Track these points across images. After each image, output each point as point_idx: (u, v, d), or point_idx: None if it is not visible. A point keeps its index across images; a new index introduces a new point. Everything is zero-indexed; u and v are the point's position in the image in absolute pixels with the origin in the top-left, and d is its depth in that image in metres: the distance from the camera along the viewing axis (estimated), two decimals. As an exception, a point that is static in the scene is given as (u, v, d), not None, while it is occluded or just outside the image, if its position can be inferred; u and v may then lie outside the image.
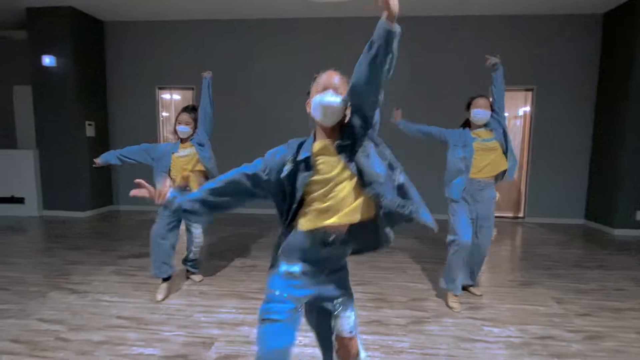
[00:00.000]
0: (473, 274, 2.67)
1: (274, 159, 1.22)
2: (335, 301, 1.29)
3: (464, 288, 2.68)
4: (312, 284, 1.23)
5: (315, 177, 1.16)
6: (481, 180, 2.43)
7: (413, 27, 5.13)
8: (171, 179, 2.66)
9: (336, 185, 1.15)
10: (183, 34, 5.47)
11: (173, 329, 2.13)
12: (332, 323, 1.32)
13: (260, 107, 5.33)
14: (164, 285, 2.60)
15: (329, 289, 1.28)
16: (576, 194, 5.15)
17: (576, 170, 5.11)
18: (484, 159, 2.40)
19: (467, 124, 2.56)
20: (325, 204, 1.16)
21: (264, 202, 1.33)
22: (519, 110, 5.57)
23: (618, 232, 4.55)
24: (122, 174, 5.76)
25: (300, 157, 1.18)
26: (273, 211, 1.27)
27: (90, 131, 5.40)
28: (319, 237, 1.19)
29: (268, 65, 5.31)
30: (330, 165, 1.16)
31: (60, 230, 4.53)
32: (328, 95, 1.14)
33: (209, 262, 3.28)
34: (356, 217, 1.16)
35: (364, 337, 2.04)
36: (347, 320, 1.30)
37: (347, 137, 1.17)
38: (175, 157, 2.66)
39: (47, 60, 5.10)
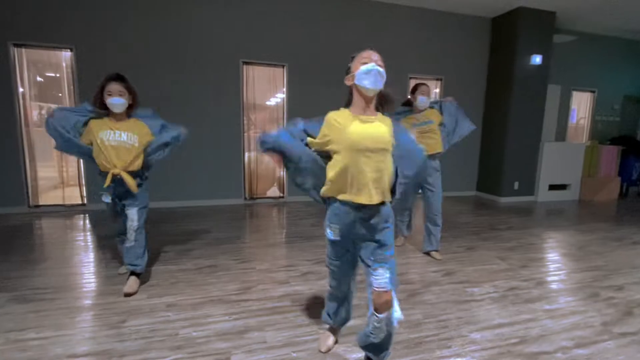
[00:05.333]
0: (430, 237, 3.05)
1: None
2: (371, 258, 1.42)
3: (427, 253, 3.11)
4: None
5: None
6: None
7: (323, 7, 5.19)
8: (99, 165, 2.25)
9: None
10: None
11: (167, 354, 1.70)
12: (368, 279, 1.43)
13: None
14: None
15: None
16: (469, 171, 6.19)
17: (470, 150, 6.13)
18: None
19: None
20: None
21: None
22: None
23: (503, 200, 5.69)
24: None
25: None
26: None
27: None
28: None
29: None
30: None
31: None
32: (374, 64, 1.37)
33: (153, 267, 2.74)
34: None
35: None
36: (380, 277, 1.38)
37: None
38: (103, 142, 2.18)
39: None
